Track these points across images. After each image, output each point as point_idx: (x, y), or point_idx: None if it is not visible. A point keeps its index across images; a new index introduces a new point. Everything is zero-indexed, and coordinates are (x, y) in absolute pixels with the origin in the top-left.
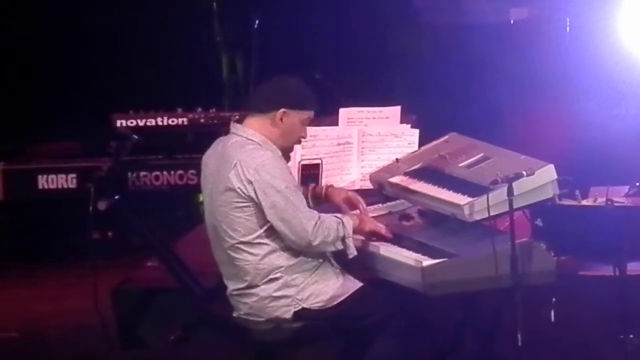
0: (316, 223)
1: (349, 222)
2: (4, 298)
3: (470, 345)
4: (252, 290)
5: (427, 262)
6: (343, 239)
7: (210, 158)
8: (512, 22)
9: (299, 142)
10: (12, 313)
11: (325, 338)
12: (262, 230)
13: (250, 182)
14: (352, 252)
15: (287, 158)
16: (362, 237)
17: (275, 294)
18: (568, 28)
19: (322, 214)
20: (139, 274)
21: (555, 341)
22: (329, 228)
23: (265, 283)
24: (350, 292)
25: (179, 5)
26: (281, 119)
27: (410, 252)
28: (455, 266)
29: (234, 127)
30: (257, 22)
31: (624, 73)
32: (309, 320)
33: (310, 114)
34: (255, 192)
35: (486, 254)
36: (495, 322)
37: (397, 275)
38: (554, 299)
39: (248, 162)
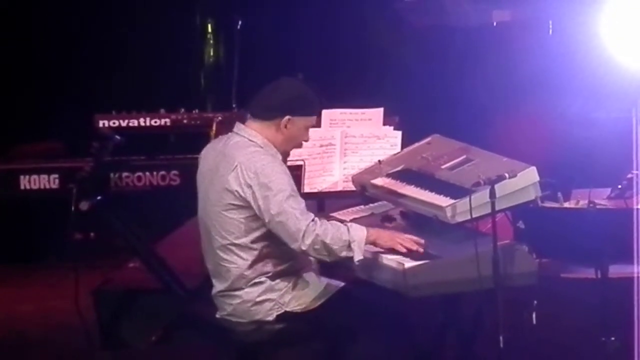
0: (309, 224)
1: (359, 229)
2: None
3: (452, 347)
4: (236, 293)
5: (409, 263)
6: (348, 245)
7: (209, 154)
8: (494, 24)
9: (301, 145)
10: None
11: (308, 338)
12: (254, 235)
13: (249, 186)
14: (357, 257)
15: (285, 161)
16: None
17: (258, 299)
18: (551, 30)
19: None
20: (120, 275)
21: (537, 343)
22: (328, 229)
23: (249, 287)
24: (332, 293)
25: (162, 5)
26: (285, 126)
27: (392, 254)
28: (437, 268)
29: (237, 126)
30: (239, 22)
31: (606, 75)
32: (292, 322)
33: (314, 118)
34: (254, 196)
35: (468, 255)
36: (476, 324)
37: (379, 277)
38: (535, 301)
39: (248, 166)
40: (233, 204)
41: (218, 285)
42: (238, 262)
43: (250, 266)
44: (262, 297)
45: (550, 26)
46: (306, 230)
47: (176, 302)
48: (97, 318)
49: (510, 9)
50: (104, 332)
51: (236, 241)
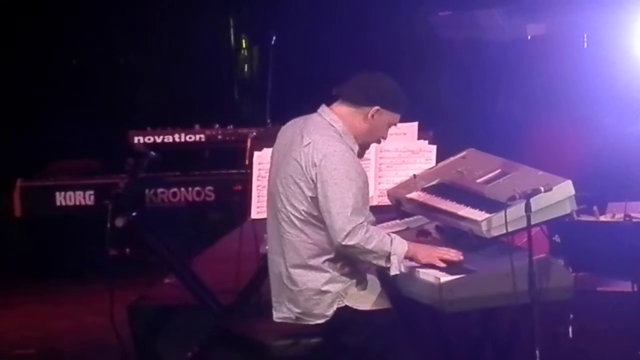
0: (355, 227)
1: (401, 243)
2: (21, 315)
3: None
4: (297, 273)
5: (445, 278)
6: (388, 257)
7: (288, 130)
8: (529, 38)
9: (379, 141)
10: (29, 330)
11: (344, 355)
12: (317, 211)
13: (315, 166)
14: (394, 271)
15: (362, 154)
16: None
17: (323, 288)
18: (585, 44)
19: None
20: (155, 291)
21: (573, 357)
22: (372, 237)
23: (314, 271)
24: (386, 302)
25: (197, 22)
26: (372, 116)
27: (428, 269)
28: (473, 282)
29: (321, 108)
30: (273, 37)
31: None
32: (348, 319)
33: (398, 117)
34: (316, 177)
35: (504, 270)
36: (513, 339)
37: (415, 292)
38: (571, 315)
39: (320, 147)
40: (299, 178)
41: (278, 262)
42: (301, 235)
43: (313, 241)
44: (326, 287)
45: (585, 39)
46: (351, 231)
47: (212, 319)
48: (132, 334)
49: (544, 23)
50: (140, 348)
51: (299, 215)
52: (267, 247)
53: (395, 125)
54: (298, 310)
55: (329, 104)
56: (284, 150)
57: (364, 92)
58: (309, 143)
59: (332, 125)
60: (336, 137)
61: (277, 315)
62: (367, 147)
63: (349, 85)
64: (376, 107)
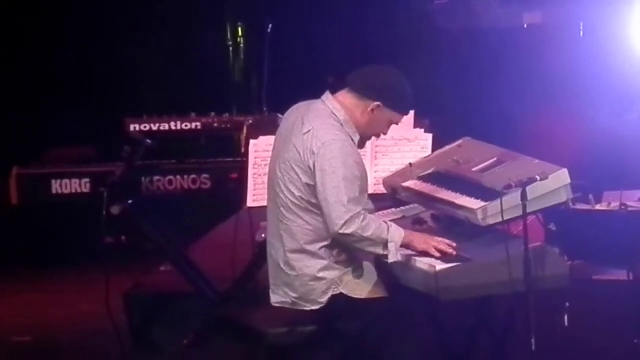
0: (352, 216)
1: (398, 230)
2: (17, 302)
3: (484, 349)
4: (295, 258)
5: (441, 266)
6: (385, 244)
7: (292, 115)
8: (525, 26)
9: (378, 136)
10: (25, 317)
11: (340, 342)
12: (314, 199)
13: (313, 154)
14: (392, 258)
15: (363, 145)
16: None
17: (319, 275)
18: (582, 33)
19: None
20: (151, 278)
21: (569, 346)
22: (370, 225)
23: (310, 258)
24: (382, 290)
25: (192, 10)
26: (372, 111)
27: (424, 257)
28: (469, 271)
29: (325, 95)
30: (270, 25)
31: (637, 77)
32: (343, 307)
33: (401, 117)
34: (314, 165)
35: (499, 258)
36: (508, 327)
37: (410, 280)
38: (567, 304)
39: (319, 135)
40: (297, 164)
41: (276, 247)
42: (298, 221)
43: (310, 227)
44: (321, 274)
45: (582, 28)
46: (348, 220)
47: (208, 306)
48: (128, 322)
49: (541, 11)
50: (136, 335)
51: (296, 201)
52: (263, 235)
53: (397, 124)
54: (295, 295)
55: (334, 92)
56: (285, 135)
57: (368, 85)
58: (309, 131)
59: (334, 114)
60: (337, 126)
61: (275, 299)
62: (368, 139)
63: (357, 75)
64: (377, 103)
